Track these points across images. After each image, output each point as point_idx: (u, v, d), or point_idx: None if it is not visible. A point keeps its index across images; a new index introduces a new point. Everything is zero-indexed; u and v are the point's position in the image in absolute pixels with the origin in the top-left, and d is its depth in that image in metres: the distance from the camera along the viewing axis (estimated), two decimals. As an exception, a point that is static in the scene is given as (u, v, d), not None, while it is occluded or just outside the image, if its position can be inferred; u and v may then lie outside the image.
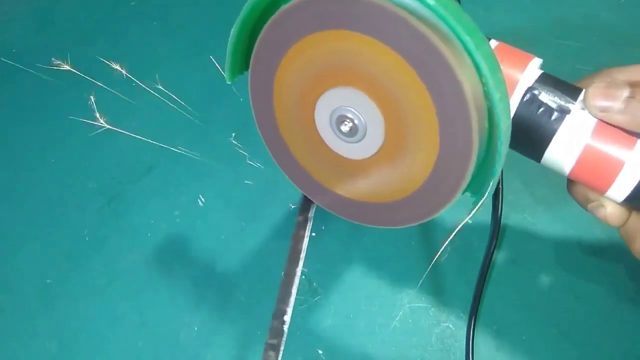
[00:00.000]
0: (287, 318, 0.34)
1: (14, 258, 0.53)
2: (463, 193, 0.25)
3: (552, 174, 0.28)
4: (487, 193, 0.25)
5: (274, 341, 0.33)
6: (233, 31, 0.27)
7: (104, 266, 0.51)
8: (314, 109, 0.27)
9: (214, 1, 0.68)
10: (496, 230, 0.47)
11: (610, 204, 0.27)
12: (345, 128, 0.26)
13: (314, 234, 0.50)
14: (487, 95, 0.23)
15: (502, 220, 0.48)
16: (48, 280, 0.51)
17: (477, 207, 0.26)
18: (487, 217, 0.48)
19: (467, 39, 0.21)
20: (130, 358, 0.46)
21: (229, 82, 0.30)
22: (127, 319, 0.48)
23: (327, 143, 0.28)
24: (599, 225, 0.47)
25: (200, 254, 0.51)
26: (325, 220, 0.51)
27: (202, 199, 0.54)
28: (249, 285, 0.49)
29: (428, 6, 0.22)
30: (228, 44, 0.28)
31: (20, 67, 0.66)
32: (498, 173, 0.24)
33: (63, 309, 0.49)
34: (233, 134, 0.57)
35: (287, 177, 0.32)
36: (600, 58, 0.55)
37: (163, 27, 0.67)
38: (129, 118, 0.60)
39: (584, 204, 0.29)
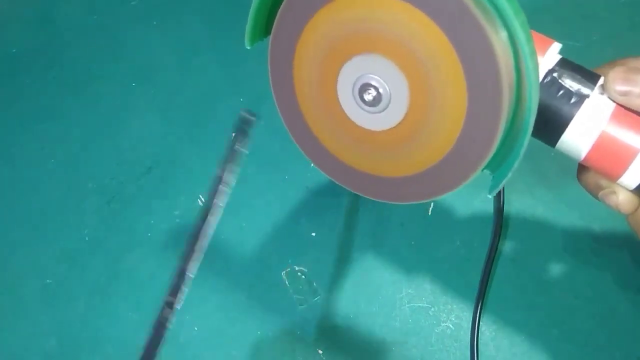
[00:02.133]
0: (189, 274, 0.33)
1: (14, 258, 0.53)
2: (482, 170, 0.25)
3: (554, 170, 0.28)
4: (511, 171, 0.25)
5: (171, 299, 0.32)
6: None
7: (104, 266, 0.51)
8: (337, 77, 0.26)
9: (214, 1, 0.68)
10: (497, 230, 0.47)
11: (622, 191, 0.28)
12: (368, 97, 0.25)
13: (313, 234, 0.50)
14: (517, 66, 0.22)
15: (502, 220, 0.48)
16: (48, 280, 0.51)
17: (501, 185, 0.26)
18: (487, 218, 0.48)
19: (504, 4, 0.21)
20: (130, 358, 0.46)
21: (248, 47, 0.29)
22: (127, 319, 0.48)
23: (348, 114, 0.27)
24: (599, 224, 0.47)
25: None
26: (326, 220, 0.51)
27: (202, 199, 0.54)
28: (249, 284, 0.49)
29: None
30: (251, 7, 0.27)
31: (20, 67, 0.66)
32: (524, 147, 0.24)
33: (63, 309, 0.49)
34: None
35: (300, 150, 0.31)
36: (600, 58, 0.55)
37: (163, 27, 0.67)
38: (129, 118, 0.60)
39: (594, 190, 0.29)
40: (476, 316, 0.44)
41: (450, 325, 0.45)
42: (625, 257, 0.46)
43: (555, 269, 0.46)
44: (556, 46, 0.27)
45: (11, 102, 0.64)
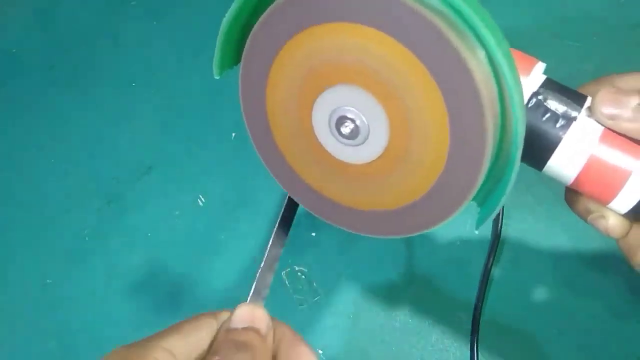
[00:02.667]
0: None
1: (14, 258, 0.53)
2: (469, 202, 0.24)
3: (552, 180, 0.28)
4: (498, 207, 0.24)
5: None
6: (225, 21, 0.25)
7: (104, 266, 0.51)
8: (312, 109, 0.25)
9: (214, 1, 0.68)
10: (497, 232, 0.47)
11: (612, 215, 0.27)
12: (346, 130, 0.24)
13: (313, 234, 0.50)
14: (501, 97, 0.22)
15: (502, 220, 0.48)
16: (48, 280, 0.51)
17: (487, 220, 0.25)
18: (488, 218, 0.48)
19: (488, 36, 0.20)
20: (130, 358, 0.46)
21: (217, 77, 0.28)
22: (127, 319, 0.48)
23: (326, 147, 0.26)
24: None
25: (200, 254, 0.51)
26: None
27: (202, 199, 0.54)
28: (249, 284, 0.49)
29: (446, 1, 0.20)
30: (218, 34, 0.26)
31: (21, 67, 0.66)
32: (511, 183, 0.23)
33: (63, 309, 0.49)
34: (233, 134, 0.57)
35: (279, 184, 0.30)
36: (600, 58, 0.55)
37: (163, 27, 0.67)
38: (129, 118, 0.60)
39: (583, 214, 0.28)
40: (476, 316, 0.44)
41: (450, 326, 0.45)
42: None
43: (556, 268, 0.46)
44: (540, 66, 0.26)
45: (11, 102, 0.64)
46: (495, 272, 0.47)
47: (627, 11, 0.58)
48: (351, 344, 0.45)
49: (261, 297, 0.30)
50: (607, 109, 0.25)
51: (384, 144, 0.24)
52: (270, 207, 0.52)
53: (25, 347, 0.48)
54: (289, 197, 0.31)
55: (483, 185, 0.23)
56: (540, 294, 0.45)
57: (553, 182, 0.27)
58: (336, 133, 0.25)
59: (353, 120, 0.24)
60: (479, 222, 0.26)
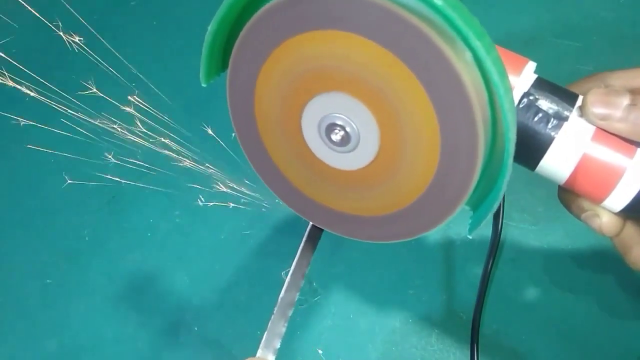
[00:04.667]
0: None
1: (14, 258, 0.53)
2: (463, 206, 0.24)
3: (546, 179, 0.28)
4: (491, 212, 0.24)
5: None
6: (210, 29, 0.25)
7: (104, 266, 0.51)
8: (301, 116, 0.25)
9: (214, 1, 0.68)
10: (498, 232, 0.47)
11: (606, 213, 0.27)
12: (336, 137, 0.24)
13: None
14: (491, 102, 0.21)
15: (502, 221, 0.48)
16: (48, 280, 0.51)
17: (479, 224, 0.25)
18: (488, 218, 0.48)
19: (476, 43, 0.20)
20: (130, 358, 0.46)
21: (204, 85, 0.27)
22: (127, 318, 0.48)
23: (316, 153, 0.26)
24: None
25: (200, 254, 0.51)
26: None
27: (202, 199, 0.54)
28: (249, 284, 0.49)
29: (434, 7, 0.20)
30: (204, 43, 0.25)
31: (20, 67, 0.66)
32: (503, 188, 0.23)
33: (63, 309, 0.49)
34: (233, 134, 0.57)
35: (270, 190, 0.30)
36: (600, 58, 0.55)
37: (163, 27, 0.67)
38: (128, 118, 0.60)
39: (577, 213, 0.28)
40: (476, 316, 0.44)
41: (450, 325, 0.45)
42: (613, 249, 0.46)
43: (556, 268, 0.46)
44: (531, 65, 0.26)
45: (11, 102, 0.64)
46: (495, 272, 0.46)
47: (627, 11, 0.58)
48: (351, 344, 0.45)
49: (273, 348, 0.28)
50: (597, 110, 0.25)
51: (375, 150, 0.24)
52: (270, 206, 0.52)
53: (25, 347, 0.48)
54: (304, 243, 0.31)
55: (476, 188, 0.23)
56: (540, 294, 0.45)
57: (550, 181, 0.27)
58: (327, 140, 0.25)
59: (343, 127, 0.24)
60: (472, 227, 0.26)
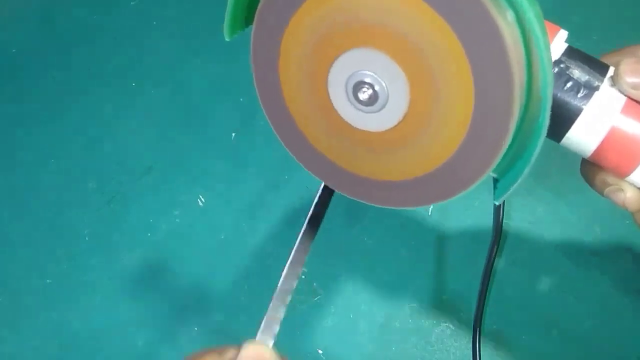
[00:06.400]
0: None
1: (14, 258, 0.53)
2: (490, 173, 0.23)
3: (555, 170, 0.27)
4: (521, 177, 0.23)
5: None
6: None
7: (104, 266, 0.51)
8: (328, 75, 0.24)
9: (214, 0, 0.68)
10: (498, 232, 0.47)
11: (631, 188, 0.26)
12: (363, 95, 0.23)
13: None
14: (528, 64, 0.21)
15: (502, 221, 0.48)
16: (48, 280, 0.51)
17: (509, 192, 0.24)
18: (488, 219, 0.48)
19: (529, 13, 0.19)
20: (130, 358, 0.46)
21: (227, 39, 0.26)
22: (127, 319, 0.48)
23: (342, 114, 0.25)
24: (599, 224, 0.47)
25: (200, 254, 0.51)
26: (326, 220, 0.51)
27: (202, 199, 0.54)
28: (249, 285, 0.49)
29: None
30: None
31: (20, 66, 0.66)
32: (537, 151, 0.22)
33: (63, 309, 0.49)
34: (233, 134, 0.57)
35: (292, 155, 0.28)
36: (599, 34, 0.55)
37: (163, 27, 0.67)
38: (128, 118, 0.60)
39: (600, 187, 0.27)
40: (477, 316, 0.44)
41: (451, 325, 0.45)
42: (626, 257, 0.46)
43: (556, 269, 0.46)
44: (563, 34, 0.25)
45: (11, 102, 0.64)
46: (496, 271, 0.46)
47: (628, 10, 0.58)
48: (351, 344, 0.45)
49: (272, 333, 0.28)
50: (630, 78, 0.24)
51: (404, 110, 0.23)
52: (271, 206, 0.52)
53: (25, 347, 0.48)
54: (305, 230, 0.30)
55: (506, 153, 0.22)
56: (540, 294, 0.45)
57: (550, 180, 0.27)
58: (353, 99, 0.24)
59: (372, 85, 0.23)
60: (500, 194, 0.25)
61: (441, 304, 0.46)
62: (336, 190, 0.29)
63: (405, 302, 0.46)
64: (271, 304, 0.28)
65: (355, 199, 0.28)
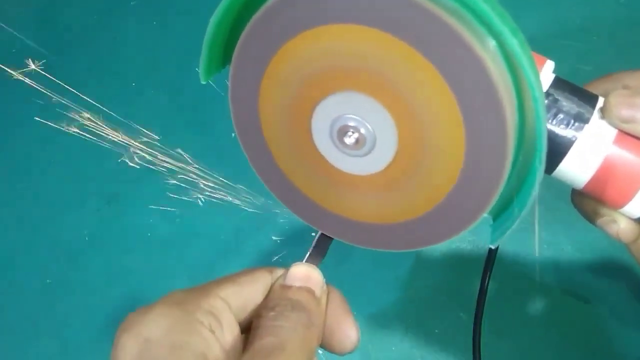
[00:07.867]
0: None
1: (14, 258, 0.53)
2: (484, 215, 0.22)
3: (558, 183, 0.27)
4: (517, 221, 0.22)
5: None
6: (212, 20, 0.23)
7: (104, 266, 0.51)
8: (311, 118, 0.23)
9: (214, 1, 0.68)
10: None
11: (624, 219, 0.26)
12: (349, 140, 0.22)
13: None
14: (518, 93, 0.20)
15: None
16: (48, 280, 0.51)
17: (506, 234, 0.23)
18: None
19: (513, 40, 0.18)
20: (130, 358, 0.46)
21: (203, 82, 0.25)
22: (127, 319, 0.48)
23: (327, 158, 0.24)
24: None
25: (200, 254, 0.51)
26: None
27: (202, 199, 0.54)
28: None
29: (465, 3, 0.18)
30: (205, 35, 0.23)
31: (20, 67, 0.66)
32: (534, 193, 0.21)
33: (63, 309, 0.49)
34: (233, 134, 0.57)
35: (277, 198, 0.28)
36: (600, 58, 0.55)
37: (163, 27, 0.67)
38: (128, 118, 0.60)
39: (592, 218, 0.27)
40: (478, 316, 0.44)
41: (451, 325, 0.45)
42: (626, 258, 0.46)
43: (556, 270, 0.46)
44: (550, 64, 0.25)
45: (11, 102, 0.64)
46: (497, 273, 0.46)
47: (627, 11, 0.58)
48: (351, 344, 0.45)
49: (317, 260, 0.29)
50: (621, 112, 0.24)
51: (393, 154, 0.22)
52: (270, 207, 0.52)
53: (25, 347, 0.48)
54: (312, 251, 0.30)
55: (501, 194, 0.21)
56: (541, 296, 0.45)
57: (551, 185, 0.27)
58: (339, 144, 0.23)
59: (357, 129, 0.22)
60: (496, 237, 0.24)
61: (441, 304, 0.46)
62: (328, 234, 0.28)
63: (406, 302, 0.46)
64: (316, 239, 0.29)
65: (347, 243, 0.28)
